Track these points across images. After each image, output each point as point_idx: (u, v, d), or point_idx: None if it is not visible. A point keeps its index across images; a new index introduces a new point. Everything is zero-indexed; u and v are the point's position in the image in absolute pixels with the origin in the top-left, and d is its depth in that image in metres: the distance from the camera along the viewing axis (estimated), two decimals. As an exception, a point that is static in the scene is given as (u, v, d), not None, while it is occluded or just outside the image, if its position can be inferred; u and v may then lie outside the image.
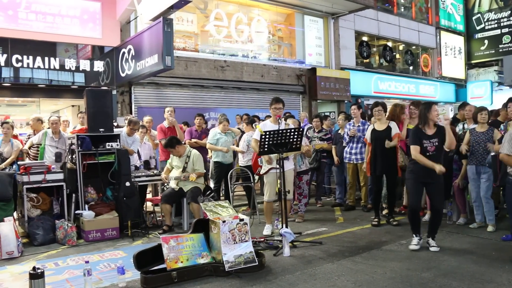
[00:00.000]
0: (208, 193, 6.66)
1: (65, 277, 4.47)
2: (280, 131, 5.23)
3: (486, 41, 19.83)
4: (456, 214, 6.59)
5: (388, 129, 6.48)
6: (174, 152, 6.57)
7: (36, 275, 3.61)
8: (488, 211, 5.96)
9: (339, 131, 8.20)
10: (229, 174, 7.47)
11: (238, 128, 8.98)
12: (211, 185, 7.86)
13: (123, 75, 9.60)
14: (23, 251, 5.47)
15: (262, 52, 13.43)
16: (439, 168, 4.86)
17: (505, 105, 6.37)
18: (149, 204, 7.63)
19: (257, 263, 4.45)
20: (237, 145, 8.15)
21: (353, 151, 7.58)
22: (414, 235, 5.22)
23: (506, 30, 19.08)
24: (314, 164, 8.06)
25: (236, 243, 4.45)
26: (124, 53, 9.48)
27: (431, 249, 5.04)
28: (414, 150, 5.06)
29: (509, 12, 18.98)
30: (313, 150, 7.84)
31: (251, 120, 8.21)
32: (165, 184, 6.93)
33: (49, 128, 7.21)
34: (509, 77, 16.41)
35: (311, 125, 8.79)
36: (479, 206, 6.17)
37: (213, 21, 12.20)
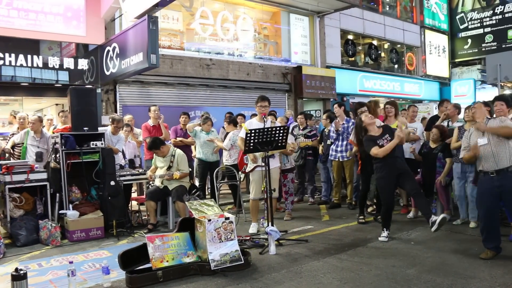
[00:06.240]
0: (193, 191, 6.64)
1: (49, 278, 4.41)
2: (266, 129, 5.24)
3: (469, 40, 20.07)
4: (440, 211, 6.66)
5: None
6: (158, 153, 6.53)
7: (18, 277, 3.56)
8: (472, 209, 6.01)
9: (325, 130, 8.21)
10: (214, 173, 7.46)
11: (223, 127, 8.96)
12: (197, 183, 7.84)
13: (107, 73, 9.50)
14: (6, 252, 5.39)
15: (248, 50, 13.39)
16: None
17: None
18: (134, 203, 7.58)
19: (243, 262, 4.45)
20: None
21: (339, 148, 7.59)
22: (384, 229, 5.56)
23: (489, 29, 19.33)
24: (299, 161, 8.08)
25: (222, 241, 4.44)
26: (108, 51, 9.38)
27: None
28: (376, 150, 5.37)
29: (491, 12, 19.25)
30: (298, 148, 7.87)
31: (233, 120, 8.17)
32: (150, 182, 6.90)
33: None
34: (491, 76, 16.52)
35: (296, 123, 8.80)
36: (462, 204, 6.26)
37: (198, 19, 12.12)
